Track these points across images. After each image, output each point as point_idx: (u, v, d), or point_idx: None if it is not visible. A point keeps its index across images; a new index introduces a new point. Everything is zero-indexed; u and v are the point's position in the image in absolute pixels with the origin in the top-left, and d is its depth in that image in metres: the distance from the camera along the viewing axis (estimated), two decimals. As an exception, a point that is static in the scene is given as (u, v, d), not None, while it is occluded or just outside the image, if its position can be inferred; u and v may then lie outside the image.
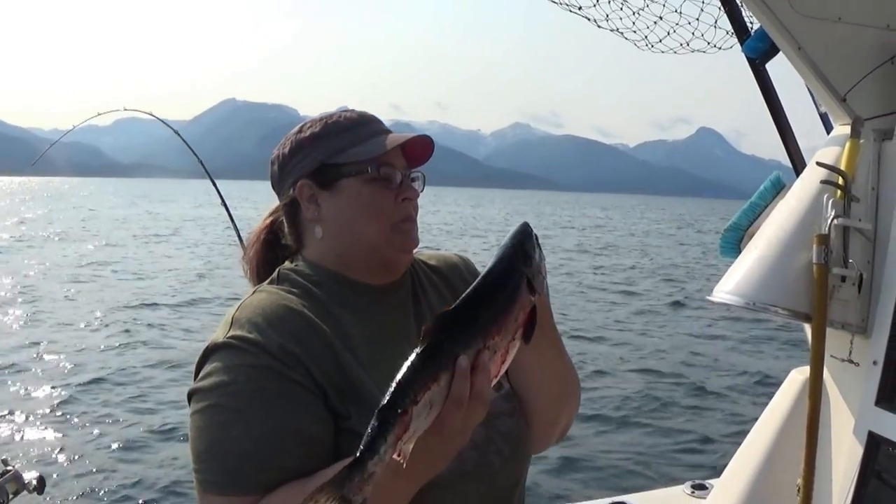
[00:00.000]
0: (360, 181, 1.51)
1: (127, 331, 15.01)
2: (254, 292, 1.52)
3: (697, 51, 3.21)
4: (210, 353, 1.39)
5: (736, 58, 3.05)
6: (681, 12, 3.04)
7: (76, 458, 8.25)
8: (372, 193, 1.51)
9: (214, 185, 4.27)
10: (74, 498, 7.32)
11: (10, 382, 11.03)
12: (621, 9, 3.06)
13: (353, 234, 1.53)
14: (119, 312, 17.16)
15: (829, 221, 2.28)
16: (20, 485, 2.39)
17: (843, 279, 2.30)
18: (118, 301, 18.68)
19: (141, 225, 51.04)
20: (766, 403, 2.75)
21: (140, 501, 7.28)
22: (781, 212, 2.48)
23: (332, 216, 1.54)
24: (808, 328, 2.40)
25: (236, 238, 3.45)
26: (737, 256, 2.59)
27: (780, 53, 2.61)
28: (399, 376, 1.06)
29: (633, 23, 3.12)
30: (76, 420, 9.52)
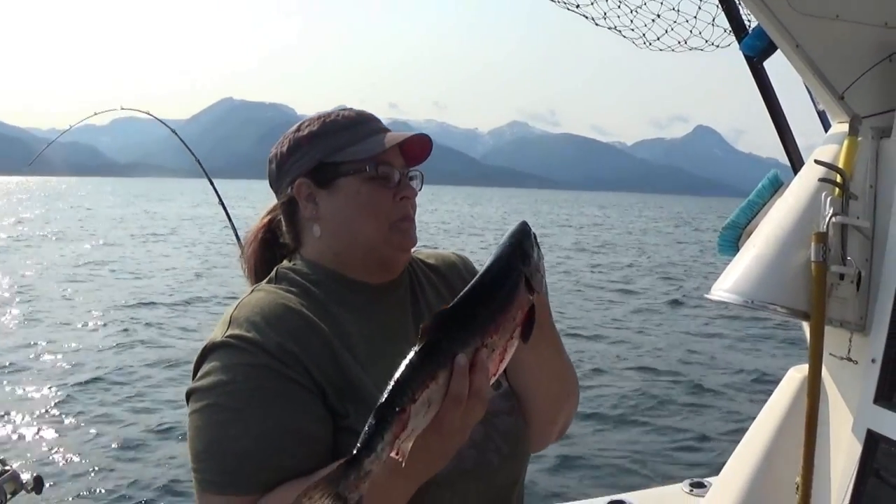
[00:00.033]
0: (359, 180, 1.51)
1: (125, 330, 15.01)
2: (252, 291, 1.52)
3: (695, 49, 3.21)
4: (208, 352, 1.38)
5: (734, 56, 3.05)
6: (678, 10, 3.04)
7: (74, 457, 8.24)
8: (370, 192, 1.51)
9: (212, 184, 4.27)
10: (72, 498, 7.32)
11: (7, 382, 11.03)
12: (619, 6, 3.06)
13: (352, 233, 1.53)
14: (117, 312, 17.16)
15: (827, 219, 2.28)
16: (18, 485, 2.38)
17: (842, 277, 2.30)
18: (116, 300, 18.68)
19: (138, 224, 51.00)
20: (765, 401, 2.75)
21: (138, 501, 7.28)
22: (780, 210, 2.48)
23: (330, 215, 1.53)
24: (806, 326, 2.40)
25: (234, 237, 3.45)
26: (735, 254, 2.59)
27: (778, 51, 2.61)
28: (397, 375, 1.06)
29: (631, 21, 3.12)
30: (74, 419, 9.51)
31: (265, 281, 1.56)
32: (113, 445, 8.62)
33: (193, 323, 15.90)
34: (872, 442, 2.18)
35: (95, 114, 4.64)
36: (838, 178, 2.31)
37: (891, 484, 2.15)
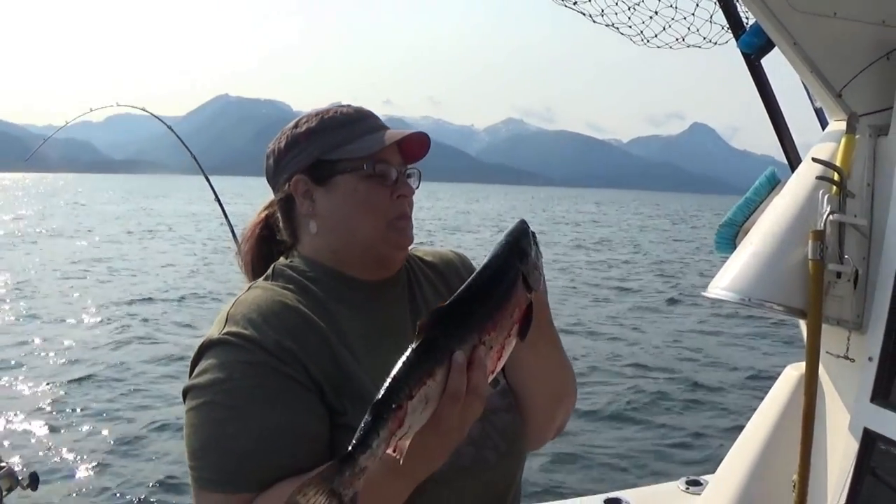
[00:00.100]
0: (356, 178, 1.50)
1: (122, 326, 15.02)
2: (249, 288, 1.52)
3: (693, 46, 3.21)
4: (205, 349, 1.38)
5: (731, 53, 3.05)
6: (676, 7, 3.04)
7: (70, 454, 8.23)
8: (367, 190, 1.50)
9: (208, 181, 4.26)
10: (68, 494, 7.31)
11: (3, 378, 11.02)
12: (616, 3, 3.06)
13: (349, 231, 1.52)
14: (114, 308, 17.15)
15: (824, 217, 2.28)
16: (13, 481, 2.38)
17: (839, 275, 2.30)
18: (113, 297, 18.67)
19: (135, 221, 50.95)
20: (761, 399, 2.76)
21: (134, 497, 7.28)
22: (777, 207, 2.48)
23: (327, 212, 1.53)
24: (803, 324, 2.40)
25: (230, 234, 3.44)
26: (732, 252, 2.59)
27: (776, 49, 2.61)
28: (394, 371, 1.06)
29: (629, 17, 3.12)
30: (70, 416, 9.51)
31: (262, 278, 1.56)
32: (109, 442, 8.62)
33: (190, 319, 15.89)
34: (869, 440, 2.18)
35: (91, 110, 4.64)
36: (835, 176, 2.31)
37: (887, 482, 2.15)
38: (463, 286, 1.16)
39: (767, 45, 2.75)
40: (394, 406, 1.03)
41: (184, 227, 45.59)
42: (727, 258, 2.56)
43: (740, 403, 10.27)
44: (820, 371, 2.34)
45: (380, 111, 1.62)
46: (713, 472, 2.90)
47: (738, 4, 2.92)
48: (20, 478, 2.39)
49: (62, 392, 10.44)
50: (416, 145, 1.57)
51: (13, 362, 11.97)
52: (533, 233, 1.28)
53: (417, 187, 1.60)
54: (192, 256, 29.10)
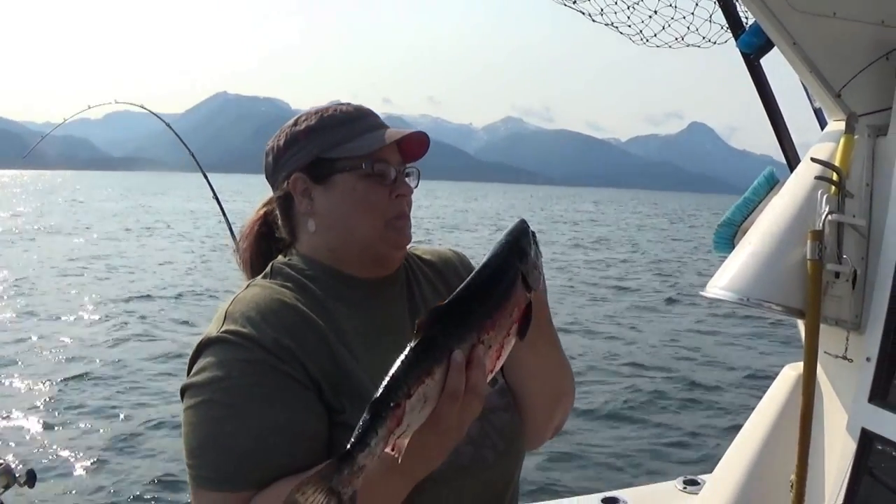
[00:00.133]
0: (355, 177, 1.50)
1: (120, 324, 15.01)
2: (247, 286, 1.51)
3: (692, 45, 3.21)
4: (203, 347, 1.38)
5: (730, 53, 3.05)
6: (675, 6, 3.04)
7: (67, 451, 8.23)
8: (366, 189, 1.50)
9: (206, 178, 4.27)
10: (65, 492, 7.31)
11: (0, 376, 10.99)
12: (616, 3, 3.06)
13: (347, 230, 1.52)
14: (111, 305, 17.15)
15: (823, 217, 2.28)
16: (10, 478, 2.38)
17: (837, 275, 2.30)
18: (111, 294, 18.67)
19: (134, 218, 50.95)
20: (759, 399, 2.76)
21: (132, 495, 7.27)
22: (775, 207, 2.48)
23: (325, 211, 1.53)
24: (801, 324, 2.40)
25: (228, 231, 3.44)
26: (730, 252, 2.59)
27: (775, 49, 2.61)
28: (392, 370, 1.06)
29: (628, 17, 3.12)
30: (68, 413, 9.50)
31: (260, 276, 1.56)
32: (106, 439, 8.62)
33: (188, 317, 15.89)
34: (867, 440, 2.18)
35: (90, 107, 4.63)
36: (834, 176, 2.31)
37: (885, 482, 2.15)
38: (462, 285, 1.16)
39: (767, 45, 2.75)
40: (392, 405, 1.03)
41: (182, 225, 45.58)
42: (725, 258, 2.57)
43: (738, 403, 10.28)
44: (818, 371, 2.34)
45: (378, 110, 1.62)
46: (710, 471, 2.90)
47: (737, 4, 2.92)
48: (17, 475, 2.40)
49: (59, 389, 10.43)
50: (415, 144, 1.57)
51: (11, 359, 11.97)
52: (533, 232, 1.28)
53: (416, 186, 1.60)
54: (190, 254, 29.09)
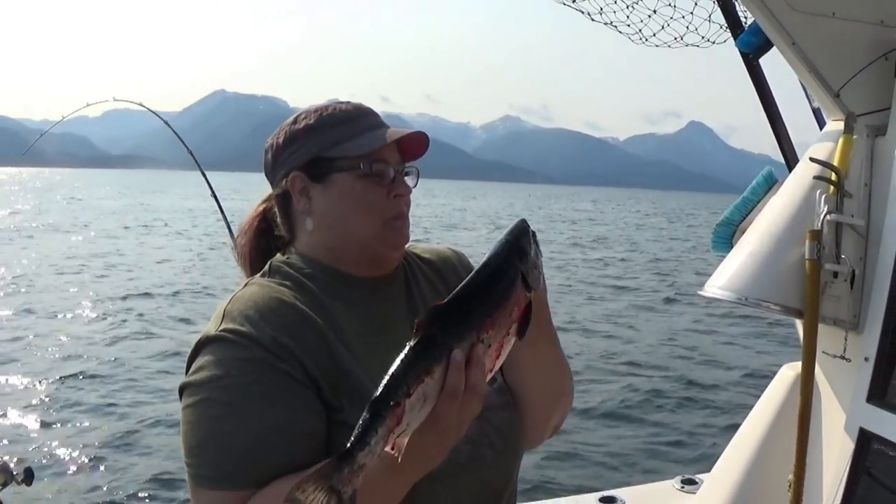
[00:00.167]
0: (353, 176, 1.50)
1: (118, 321, 15.00)
2: (245, 285, 1.51)
3: (691, 45, 3.21)
4: (202, 346, 1.38)
5: (729, 52, 3.05)
6: (674, 6, 3.04)
7: (65, 449, 8.22)
8: (364, 189, 1.50)
9: (205, 176, 4.26)
10: (63, 490, 7.30)
11: (-1, 373, 11.01)
12: (615, 2, 3.06)
13: (345, 229, 1.52)
14: (109, 303, 17.14)
15: (821, 217, 2.28)
16: (8, 476, 2.38)
17: (836, 275, 2.31)
18: (109, 292, 18.66)
19: (132, 216, 50.89)
20: (757, 398, 2.76)
21: (130, 493, 7.27)
22: (774, 207, 2.48)
23: (323, 210, 1.53)
24: (799, 324, 2.40)
25: (226, 230, 3.44)
26: (729, 251, 2.60)
27: (774, 48, 2.62)
28: (392, 369, 1.06)
29: (628, 16, 3.12)
30: (65, 411, 9.50)
31: (259, 275, 1.56)
32: (104, 437, 8.61)
33: (187, 314, 15.89)
34: (865, 440, 2.19)
35: (88, 104, 4.62)
36: (833, 176, 2.31)
37: (882, 482, 2.16)
38: (462, 284, 1.16)
39: (766, 45, 2.76)
40: (392, 403, 1.03)
41: (180, 223, 45.58)
42: (724, 257, 2.57)
43: (735, 402, 10.28)
44: (816, 371, 2.34)
45: (376, 108, 1.61)
46: (708, 470, 2.91)
47: (736, 4, 2.92)
48: (15, 473, 2.39)
49: (57, 387, 10.43)
50: (414, 143, 1.57)
51: (8, 357, 11.96)
52: (533, 232, 1.28)
53: (415, 185, 1.59)
54: (188, 252, 29.08)
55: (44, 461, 7.83)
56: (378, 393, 1.04)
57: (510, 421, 1.55)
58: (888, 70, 2.41)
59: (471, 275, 1.18)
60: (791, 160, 3.07)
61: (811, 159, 2.37)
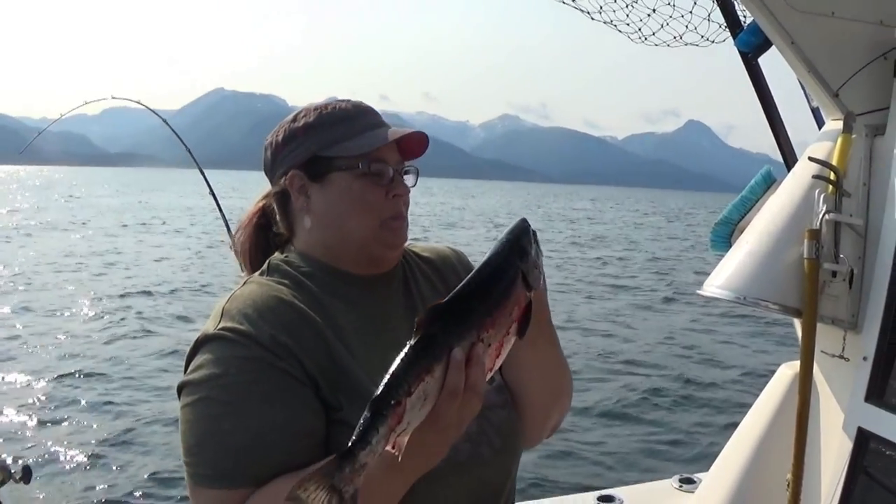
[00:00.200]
0: (351, 176, 1.50)
1: (116, 319, 14.98)
2: (244, 283, 1.51)
3: (690, 44, 3.22)
4: (201, 344, 1.37)
5: (728, 51, 3.06)
6: (674, 5, 3.04)
7: (63, 447, 8.21)
8: (362, 189, 1.50)
9: (203, 174, 4.26)
10: (61, 488, 7.30)
11: (-3, 371, 11.00)
12: (615, 1, 3.06)
13: (343, 228, 1.52)
14: (108, 301, 17.12)
15: (820, 216, 2.28)
16: (6, 474, 2.38)
17: (834, 274, 2.31)
18: (107, 290, 18.64)
19: (130, 214, 50.86)
20: (755, 398, 2.76)
21: (128, 491, 7.26)
22: (772, 206, 2.48)
23: (321, 209, 1.52)
24: (798, 323, 2.40)
25: (225, 228, 3.44)
26: (727, 250, 2.60)
27: (773, 48, 2.62)
28: (392, 368, 1.06)
29: (627, 15, 3.12)
30: (64, 409, 9.48)
31: (258, 273, 1.56)
32: (103, 435, 8.59)
33: (184, 313, 15.87)
34: (863, 439, 2.19)
35: (86, 103, 4.62)
36: (832, 176, 2.31)
37: (881, 481, 2.16)
38: (462, 283, 1.16)
39: (765, 44, 2.76)
40: (393, 402, 1.03)
41: (178, 221, 45.56)
42: (722, 256, 2.57)
43: (734, 402, 10.28)
44: (814, 370, 2.35)
45: (375, 106, 1.61)
46: (707, 470, 2.91)
47: (735, 3, 2.92)
48: (13, 471, 2.39)
49: (55, 385, 10.41)
50: (414, 143, 1.56)
51: (6, 355, 11.93)
52: (534, 231, 1.28)
53: (414, 185, 1.59)
54: (186, 250, 29.06)
55: (42, 459, 7.82)
56: (379, 392, 1.04)
57: (509, 420, 1.55)
58: (887, 70, 2.41)
59: (471, 274, 1.18)
60: (790, 159, 3.07)
61: (810, 158, 2.37)
